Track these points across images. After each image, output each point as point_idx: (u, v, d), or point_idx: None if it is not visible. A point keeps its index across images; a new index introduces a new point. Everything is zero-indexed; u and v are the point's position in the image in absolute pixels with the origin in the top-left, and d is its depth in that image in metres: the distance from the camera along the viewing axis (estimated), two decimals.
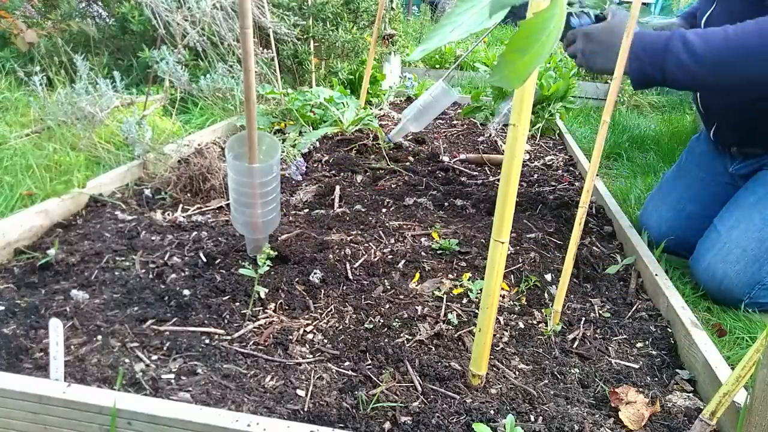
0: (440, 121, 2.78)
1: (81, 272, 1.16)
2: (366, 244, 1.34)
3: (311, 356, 0.97)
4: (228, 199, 1.51)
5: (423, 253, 1.33)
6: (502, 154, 1.95)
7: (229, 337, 1.00)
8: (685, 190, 1.65)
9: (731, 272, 1.33)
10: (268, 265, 1.07)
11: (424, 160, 2.07)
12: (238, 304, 1.09)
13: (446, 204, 1.66)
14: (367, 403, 0.85)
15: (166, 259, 1.22)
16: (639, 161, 2.45)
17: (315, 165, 1.94)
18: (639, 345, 1.08)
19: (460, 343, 1.03)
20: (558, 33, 0.41)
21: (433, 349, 1.00)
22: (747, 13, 1.31)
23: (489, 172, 2.00)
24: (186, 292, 1.10)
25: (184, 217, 1.46)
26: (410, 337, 1.02)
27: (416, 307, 1.11)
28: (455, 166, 2.00)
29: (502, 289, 1.22)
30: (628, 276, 1.32)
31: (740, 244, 1.34)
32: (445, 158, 2.08)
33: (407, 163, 2.01)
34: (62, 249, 1.23)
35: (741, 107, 1.43)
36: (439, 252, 1.35)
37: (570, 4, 1.52)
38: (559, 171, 2.08)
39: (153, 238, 1.32)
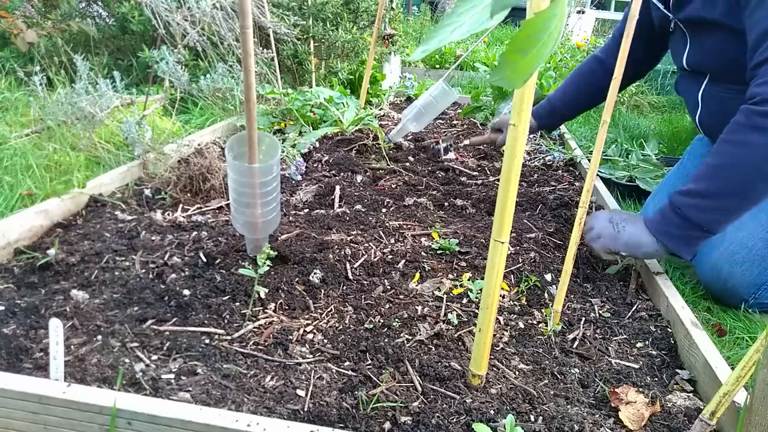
0: (440, 121, 2.78)
1: (81, 272, 1.16)
2: (366, 244, 1.34)
3: (311, 356, 0.97)
4: (228, 199, 1.51)
5: (423, 253, 1.33)
6: (502, 154, 1.95)
7: (229, 337, 1.00)
8: None
9: (737, 272, 1.32)
10: (268, 265, 1.07)
11: (424, 160, 2.07)
12: (238, 304, 1.09)
13: (446, 204, 1.66)
14: (367, 403, 0.85)
15: (166, 259, 1.22)
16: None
17: (315, 165, 1.94)
18: (639, 345, 1.08)
19: (460, 343, 1.03)
20: (559, 33, 0.41)
21: (433, 349, 1.00)
22: (716, 48, 1.36)
23: (489, 172, 2.00)
24: (186, 292, 1.10)
25: (184, 217, 1.46)
26: (410, 337, 1.02)
27: (416, 307, 1.11)
28: (455, 166, 2.00)
29: (502, 289, 1.22)
30: (628, 276, 1.32)
31: (747, 244, 1.34)
32: (451, 155, 2.09)
33: (407, 163, 2.01)
34: (62, 249, 1.23)
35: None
36: (439, 252, 1.35)
37: None
38: (559, 171, 2.08)
39: (153, 238, 1.32)
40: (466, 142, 2.10)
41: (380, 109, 2.65)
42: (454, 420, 0.82)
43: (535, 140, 2.44)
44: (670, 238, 1.23)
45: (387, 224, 1.46)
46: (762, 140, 1.11)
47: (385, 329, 1.04)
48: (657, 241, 1.24)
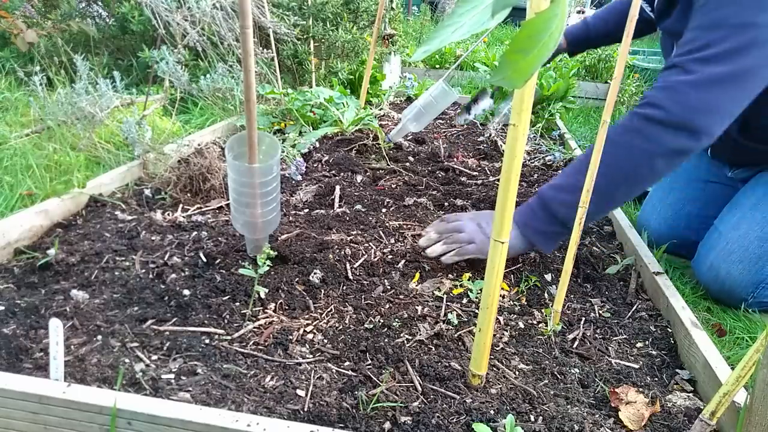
0: (440, 121, 2.78)
1: (81, 272, 1.16)
2: (366, 244, 1.34)
3: (311, 356, 0.97)
4: (228, 199, 1.50)
5: (423, 253, 1.33)
6: (502, 154, 1.95)
7: (229, 337, 1.00)
8: (684, 191, 1.66)
9: (734, 272, 1.33)
10: (268, 265, 1.07)
11: (424, 160, 2.07)
12: (238, 304, 1.09)
13: (446, 204, 1.66)
14: (367, 403, 0.85)
15: (166, 259, 1.22)
16: None
17: (315, 165, 1.94)
18: (639, 345, 1.08)
19: (460, 343, 1.03)
20: (560, 34, 0.41)
21: (433, 349, 1.00)
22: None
23: (489, 172, 2.00)
24: (186, 292, 1.10)
25: (184, 217, 1.46)
26: (410, 337, 1.02)
27: (416, 307, 1.11)
28: (455, 166, 2.00)
29: (502, 289, 1.22)
30: (628, 276, 1.32)
31: (742, 243, 1.34)
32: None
33: (407, 163, 2.01)
34: (62, 249, 1.23)
35: (731, 139, 1.40)
36: None
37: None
38: (559, 171, 2.07)
39: (153, 238, 1.32)
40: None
41: (380, 109, 2.65)
42: (454, 420, 0.82)
43: (535, 140, 2.44)
44: (535, 233, 1.20)
45: (387, 224, 1.46)
46: (638, 143, 1.11)
47: (385, 329, 1.04)
48: (524, 238, 1.21)
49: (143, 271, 1.18)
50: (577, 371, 0.98)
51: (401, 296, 1.15)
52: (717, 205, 1.53)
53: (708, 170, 1.63)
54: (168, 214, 1.47)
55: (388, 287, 1.18)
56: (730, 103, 1.07)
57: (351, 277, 1.20)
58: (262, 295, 1.11)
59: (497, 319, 1.10)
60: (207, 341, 0.98)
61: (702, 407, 0.88)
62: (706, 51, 1.06)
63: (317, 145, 2.11)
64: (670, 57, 1.16)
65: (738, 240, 1.35)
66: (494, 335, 1.05)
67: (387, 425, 0.81)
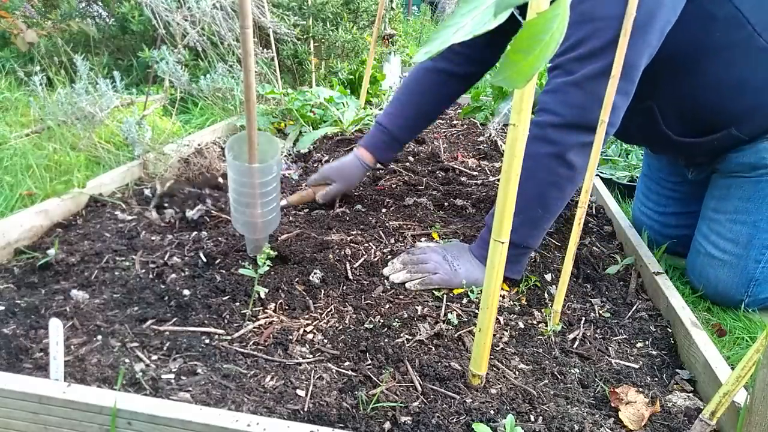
0: (440, 121, 2.78)
1: (81, 272, 1.16)
2: (366, 244, 1.34)
3: (311, 356, 0.97)
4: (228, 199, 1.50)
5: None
6: (502, 154, 1.95)
7: (229, 337, 1.00)
8: (662, 192, 1.66)
9: (722, 275, 1.35)
10: (268, 265, 1.07)
11: (424, 160, 2.07)
12: (238, 304, 1.09)
13: (446, 204, 1.65)
14: (367, 403, 0.85)
15: (166, 259, 1.22)
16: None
17: (315, 165, 1.94)
18: (639, 345, 1.08)
19: (460, 343, 1.03)
20: (561, 34, 0.41)
21: (433, 349, 1.00)
22: None
23: (489, 172, 2.00)
24: (186, 292, 1.10)
25: None
26: (410, 337, 1.02)
27: (416, 307, 1.11)
28: (455, 166, 2.00)
29: (502, 289, 1.22)
30: (628, 276, 1.33)
31: (718, 247, 1.36)
32: None
33: (407, 163, 2.01)
34: (62, 249, 1.23)
35: (665, 137, 1.40)
36: None
37: None
38: None
39: (153, 238, 1.32)
40: (284, 202, 1.54)
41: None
42: (454, 420, 0.82)
43: None
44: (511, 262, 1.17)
45: (387, 224, 1.46)
46: (541, 150, 1.11)
47: (385, 329, 1.04)
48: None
49: (143, 271, 1.17)
50: (577, 371, 0.98)
51: (401, 296, 1.15)
52: (696, 201, 1.53)
53: (671, 172, 1.63)
54: None
55: (388, 287, 1.18)
56: (616, 93, 1.08)
57: (351, 277, 1.20)
58: (262, 295, 1.11)
59: (497, 319, 1.10)
60: (207, 341, 0.98)
61: (702, 407, 0.88)
62: (581, 48, 1.07)
63: (317, 144, 2.11)
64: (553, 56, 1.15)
65: (714, 245, 1.37)
66: (494, 335, 1.05)
67: (387, 425, 0.81)
